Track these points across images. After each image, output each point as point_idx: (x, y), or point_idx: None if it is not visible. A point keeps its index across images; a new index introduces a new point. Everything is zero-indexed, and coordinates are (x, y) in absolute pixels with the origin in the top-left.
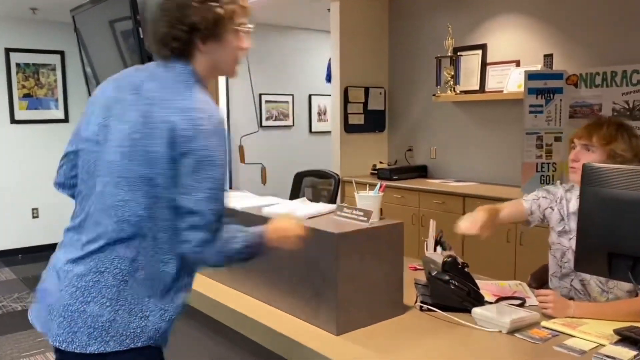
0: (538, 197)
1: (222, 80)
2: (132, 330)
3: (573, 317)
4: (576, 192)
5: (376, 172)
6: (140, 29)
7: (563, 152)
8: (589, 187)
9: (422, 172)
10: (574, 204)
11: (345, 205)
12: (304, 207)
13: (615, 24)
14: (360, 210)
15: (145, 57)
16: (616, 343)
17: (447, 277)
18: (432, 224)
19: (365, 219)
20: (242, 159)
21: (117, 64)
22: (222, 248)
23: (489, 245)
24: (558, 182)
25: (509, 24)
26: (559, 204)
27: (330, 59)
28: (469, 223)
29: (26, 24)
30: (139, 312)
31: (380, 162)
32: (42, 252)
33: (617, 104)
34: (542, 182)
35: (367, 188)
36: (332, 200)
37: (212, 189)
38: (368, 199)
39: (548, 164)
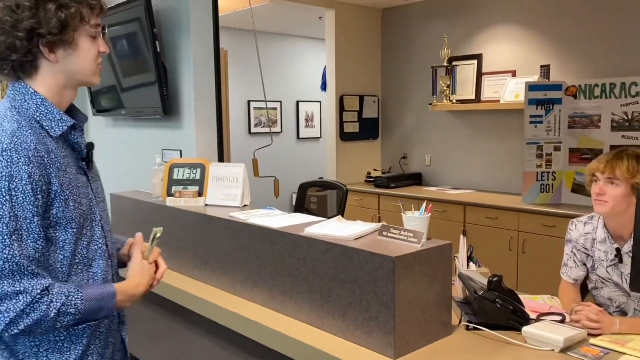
0: (568, 259)
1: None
2: None
3: (619, 334)
4: (599, 222)
5: (372, 179)
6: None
7: (562, 161)
8: None
9: (417, 179)
10: (600, 233)
11: (391, 225)
12: (347, 227)
13: (612, 36)
14: (410, 231)
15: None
16: None
17: (493, 296)
18: (463, 240)
19: (416, 240)
20: (256, 172)
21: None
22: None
23: (492, 253)
24: (570, 223)
25: (504, 34)
26: (585, 243)
27: (325, 68)
28: (592, 323)
29: None
30: None
31: (375, 170)
32: None
33: (615, 114)
34: (542, 190)
35: (412, 207)
36: (341, 212)
37: None
38: (417, 220)
39: (548, 172)
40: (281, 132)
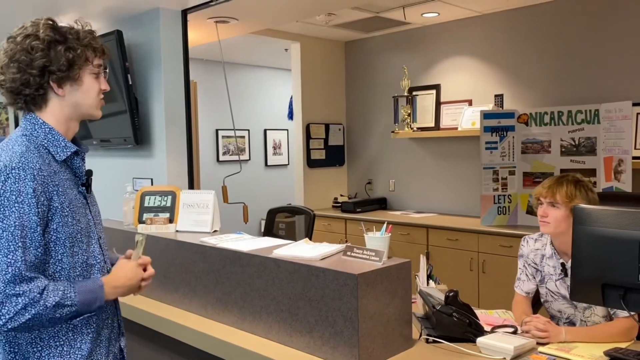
0: (521, 273)
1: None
2: None
3: (565, 342)
4: (547, 239)
5: (339, 205)
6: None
7: (517, 185)
8: (580, 226)
9: (382, 204)
10: (548, 250)
11: (355, 245)
12: (313, 248)
13: (559, 68)
14: (372, 250)
15: (133, 102)
16: None
17: (450, 310)
18: (423, 259)
19: (378, 258)
20: (226, 199)
21: None
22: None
23: (455, 274)
24: (523, 239)
25: (460, 66)
26: (534, 258)
27: (291, 97)
28: (540, 332)
29: None
30: None
31: (341, 195)
32: None
33: (564, 140)
34: (499, 212)
35: (374, 229)
36: (309, 237)
37: None
38: (378, 239)
39: (504, 195)
40: (249, 159)
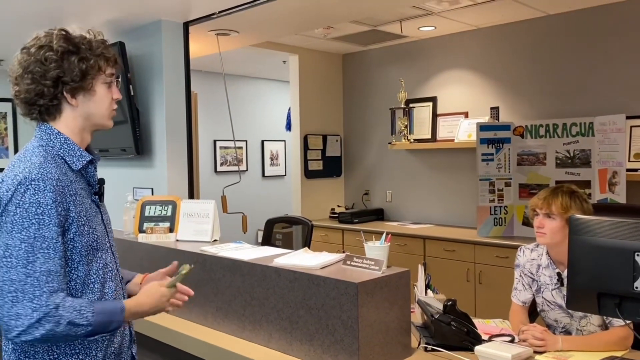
0: (517, 282)
1: None
2: None
3: (562, 351)
4: (544, 249)
5: (336, 215)
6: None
7: (513, 196)
8: (577, 236)
9: (379, 215)
10: (544, 260)
11: (355, 255)
12: (313, 257)
13: (554, 82)
14: (372, 259)
15: (134, 113)
16: None
17: (448, 319)
18: (421, 269)
19: (378, 267)
20: (225, 209)
21: None
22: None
23: (451, 284)
24: (519, 250)
25: (457, 79)
26: (531, 268)
27: (290, 109)
28: (537, 341)
29: None
30: None
31: (338, 206)
32: None
33: (559, 152)
34: (496, 223)
35: (373, 238)
36: (307, 246)
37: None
38: (377, 249)
39: (500, 207)
40: (247, 170)
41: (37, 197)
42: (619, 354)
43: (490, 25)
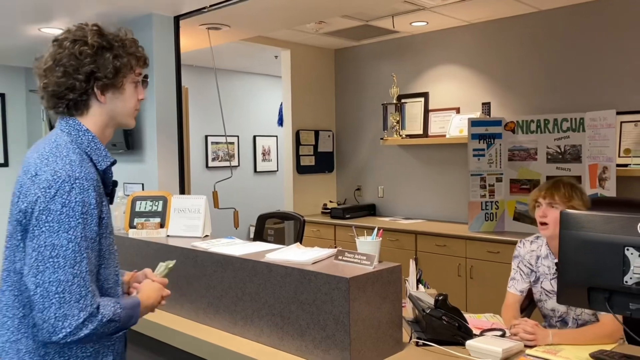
0: (515, 273)
1: None
2: None
3: (552, 344)
4: (543, 241)
5: (328, 211)
6: None
7: (504, 192)
8: (567, 231)
9: (371, 210)
10: (543, 250)
11: (346, 250)
12: (305, 253)
13: (545, 77)
14: (363, 254)
15: None
16: None
17: (440, 314)
18: (412, 264)
19: (369, 262)
20: (216, 204)
21: None
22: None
23: (443, 279)
24: (519, 241)
25: (448, 74)
26: (530, 259)
27: (282, 104)
28: (528, 335)
29: None
30: None
31: (330, 202)
32: None
33: (550, 148)
34: (487, 219)
35: (365, 233)
36: (299, 242)
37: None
38: (369, 244)
39: (491, 202)
40: (239, 165)
41: (82, 196)
42: (608, 347)
43: (483, 21)
